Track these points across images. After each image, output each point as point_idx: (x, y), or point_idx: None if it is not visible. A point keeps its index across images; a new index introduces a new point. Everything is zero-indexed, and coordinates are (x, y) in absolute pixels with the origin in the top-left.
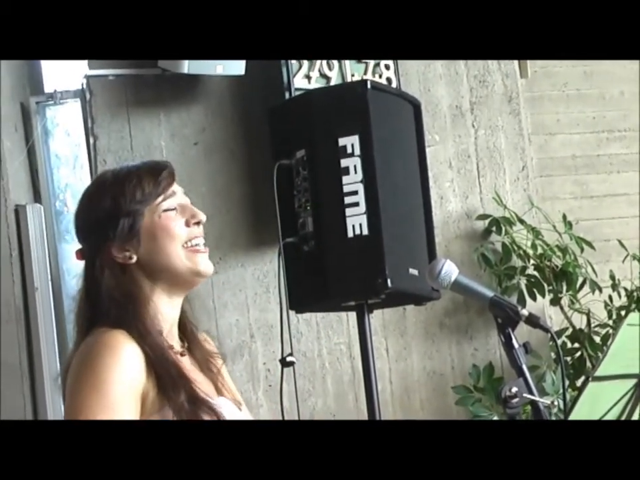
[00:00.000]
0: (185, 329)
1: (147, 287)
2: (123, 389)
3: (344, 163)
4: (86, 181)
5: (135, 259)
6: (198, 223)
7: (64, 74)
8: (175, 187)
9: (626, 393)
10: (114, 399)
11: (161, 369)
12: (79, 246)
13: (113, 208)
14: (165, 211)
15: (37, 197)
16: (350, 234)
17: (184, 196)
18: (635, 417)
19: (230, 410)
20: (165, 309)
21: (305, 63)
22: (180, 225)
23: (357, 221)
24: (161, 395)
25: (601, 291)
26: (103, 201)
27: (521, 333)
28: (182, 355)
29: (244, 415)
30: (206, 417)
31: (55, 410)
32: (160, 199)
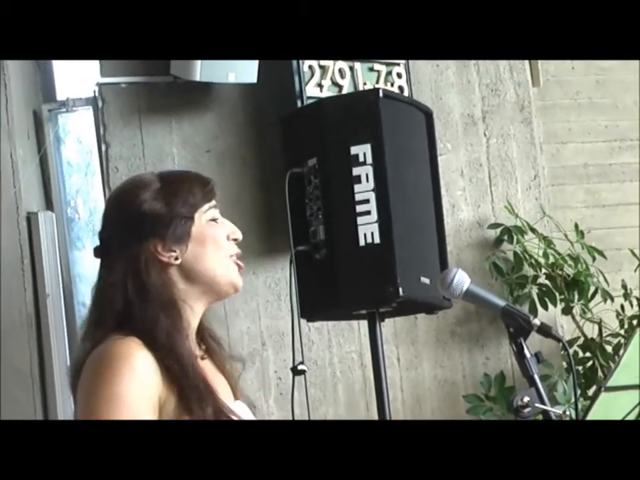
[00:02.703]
0: (203, 332)
1: (183, 290)
2: (139, 399)
3: (356, 171)
4: (98, 189)
5: (179, 260)
6: (235, 240)
7: (76, 81)
8: (215, 202)
9: (638, 403)
10: (131, 410)
11: (187, 382)
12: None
13: (166, 208)
14: (211, 220)
15: (49, 205)
16: (361, 242)
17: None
18: None
19: (248, 416)
20: (192, 318)
21: (317, 71)
22: (223, 237)
23: (368, 230)
24: (182, 406)
25: (612, 300)
26: (153, 201)
27: (533, 343)
28: (202, 358)
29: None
30: None
31: (65, 416)
32: (206, 206)
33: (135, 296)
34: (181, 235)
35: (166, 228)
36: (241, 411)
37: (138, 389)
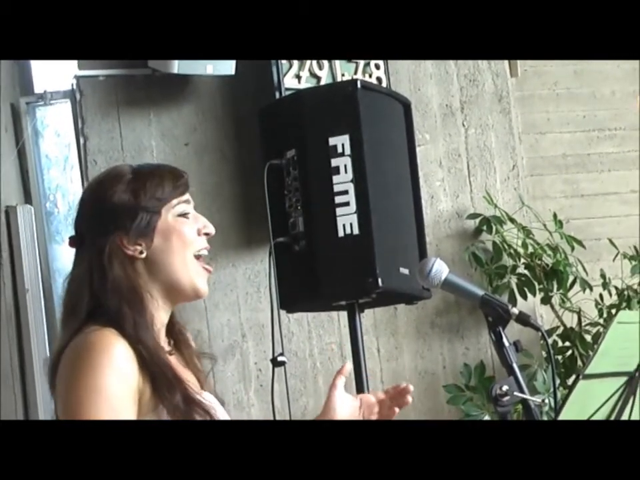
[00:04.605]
0: (173, 328)
1: (148, 283)
2: (120, 390)
3: (334, 162)
4: (77, 182)
5: (144, 254)
6: (207, 234)
7: (54, 74)
8: (189, 197)
9: (616, 391)
10: (113, 402)
11: (156, 369)
12: (69, 247)
13: (133, 201)
14: (180, 215)
15: (28, 198)
16: (340, 233)
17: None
18: (625, 415)
19: (217, 405)
20: (159, 312)
21: (295, 62)
22: (192, 232)
23: (347, 221)
24: (156, 395)
25: (591, 289)
26: (121, 193)
27: (512, 332)
28: (170, 354)
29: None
30: (198, 417)
31: (45, 411)
32: (175, 201)
33: (99, 288)
34: (146, 229)
35: (131, 221)
36: (210, 399)
37: (118, 380)
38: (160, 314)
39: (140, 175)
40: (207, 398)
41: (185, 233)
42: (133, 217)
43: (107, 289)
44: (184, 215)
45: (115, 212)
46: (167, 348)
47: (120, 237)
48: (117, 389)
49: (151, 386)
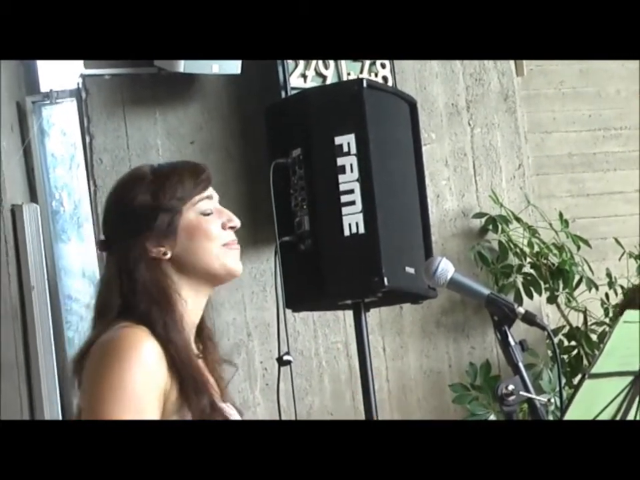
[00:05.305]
0: (202, 332)
1: (178, 282)
2: (146, 388)
3: (340, 161)
4: (82, 181)
5: (169, 255)
6: (233, 227)
7: (60, 73)
8: (212, 191)
9: (622, 390)
10: (138, 399)
11: (185, 372)
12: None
13: (153, 202)
14: (202, 213)
15: (33, 197)
16: (346, 232)
17: (217, 203)
18: (631, 414)
19: (236, 417)
20: (191, 308)
21: (301, 61)
22: (217, 228)
23: (353, 220)
24: (182, 397)
25: (597, 288)
26: (142, 195)
27: (518, 331)
28: (198, 357)
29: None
30: None
31: (51, 408)
32: (197, 198)
33: (129, 289)
34: (168, 230)
35: (152, 223)
36: (231, 412)
37: (144, 378)
38: (189, 314)
39: (159, 175)
40: (226, 409)
41: (210, 231)
42: (154, 218)
43: (136, 291)
44: (206, 213)
45: (136, 215)
46: (196, 351)
47: (144, 240)
48: (142, 387)
49: (178, 388)
